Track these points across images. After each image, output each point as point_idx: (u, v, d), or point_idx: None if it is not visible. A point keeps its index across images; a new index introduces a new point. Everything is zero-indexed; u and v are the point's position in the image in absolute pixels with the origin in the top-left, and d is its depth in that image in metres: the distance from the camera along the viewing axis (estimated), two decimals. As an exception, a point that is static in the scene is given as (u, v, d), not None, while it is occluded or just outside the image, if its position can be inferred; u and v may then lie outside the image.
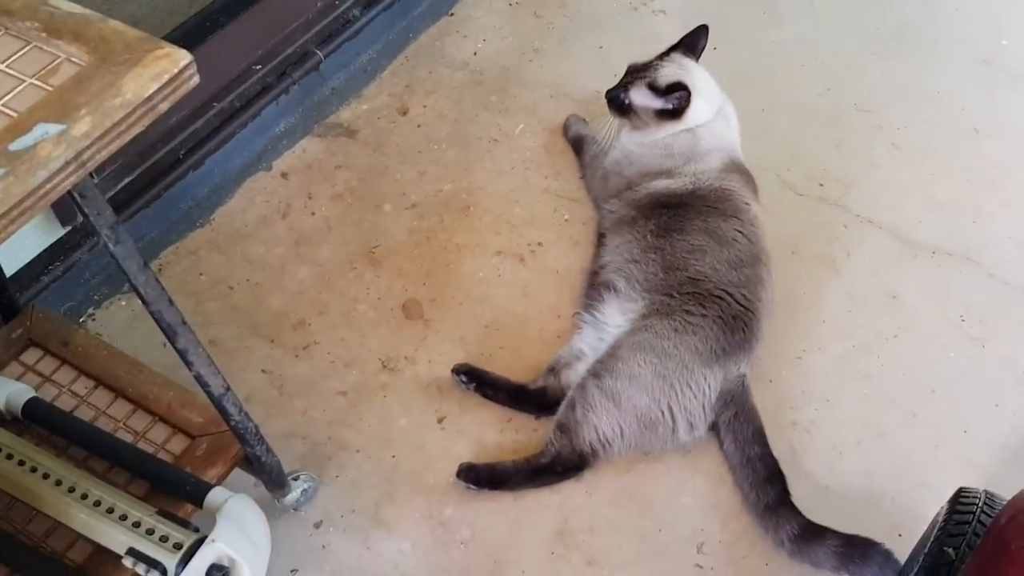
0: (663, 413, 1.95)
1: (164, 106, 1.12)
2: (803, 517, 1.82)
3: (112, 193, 2.26)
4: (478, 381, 2.08)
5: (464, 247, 2.41)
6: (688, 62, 2.33)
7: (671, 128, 2.24)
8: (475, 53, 2.91)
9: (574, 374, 2.05)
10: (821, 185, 2.53)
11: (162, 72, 1.12)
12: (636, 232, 2.14)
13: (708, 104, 2.26)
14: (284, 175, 2.58)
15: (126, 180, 2.29)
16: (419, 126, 2.71)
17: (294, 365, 2.18)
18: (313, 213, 2.49)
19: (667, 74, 2.25)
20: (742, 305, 2.02)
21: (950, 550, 1.43)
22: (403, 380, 2.15)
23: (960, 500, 1.51)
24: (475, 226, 2.46)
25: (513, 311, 2.28)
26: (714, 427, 2.01)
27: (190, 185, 2.47)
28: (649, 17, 3.02)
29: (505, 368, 2.15)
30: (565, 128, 2.64)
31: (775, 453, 1.95)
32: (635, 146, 2.32)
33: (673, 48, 2.37)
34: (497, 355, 2.19)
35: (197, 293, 2.32)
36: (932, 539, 1.49)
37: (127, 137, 1.12)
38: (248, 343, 2.22)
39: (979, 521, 1.44)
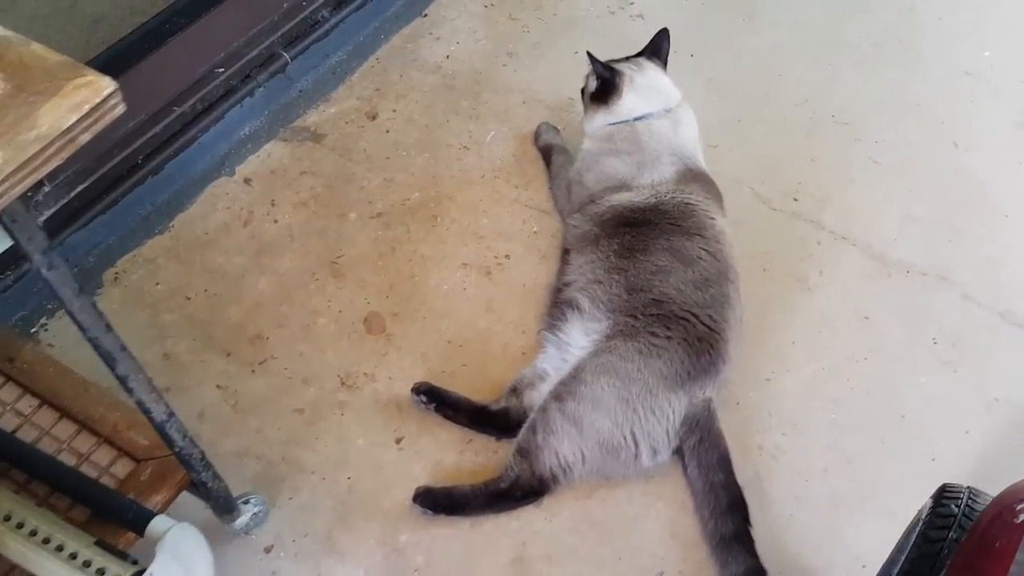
0: (626, 438, 1.90)
1: (85, 137, 1.06)
2: (754, 559, 1.78)
3: (66, 200, 2.19)
4: (438, 401, 2.03)
5: (430, 259, 2.35)
6: (646, 63, 2.34)
7: (605, 115, 2.30)
8: (448, 56, 2.85)
9: (537, 395, 2.00)
10: (795, 200, 2.48)
11: (83, 102, 1.05)
12: (599, 251, 2.09)
13: (640, 100, 2.29)
14: (247, 181, 2.52)
15: (80, 187, 2.22)
16: (388, 131, 2.64)
17: (250, 381, 2.12)
18: (276, 221, 2.43)
19: (611, 65, 2.30)
20: (708, 327, 1.97)
21: (934, 545, 1.40)
22: (362, 398, 2.10)
23: (944, 496, 1.48)
24: (442, 237, 2.40)
25: (477, 326, 2.23)
26: (679, 452, 1.96)
27: (149, 191, 2.41)
28: (626, 22, 2.95)
29: (467, 386, 2.10)
30: (536, 136, 2.59)
31: (740, 479, 1.91)
32: (588, 143, 2.34)
33: (641, 52, 2.38)
34: (459, 372, 2.14)
35: (153, 304, 2.25)
36: (915, 535, 1.47)
37: (44, 171, 1.06)
38: (204, 357, 2.16)
39: (964, 515, 1.41)
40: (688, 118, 2.29)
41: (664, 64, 2.36)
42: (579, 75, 2.70)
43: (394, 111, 2.69)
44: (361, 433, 2.05)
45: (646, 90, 2.30)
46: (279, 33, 2.57)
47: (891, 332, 2.22)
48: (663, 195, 2.14)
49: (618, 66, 2.34)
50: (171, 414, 1.57)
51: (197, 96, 2.40)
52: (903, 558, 1.46)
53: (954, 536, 1.38)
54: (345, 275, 2.31)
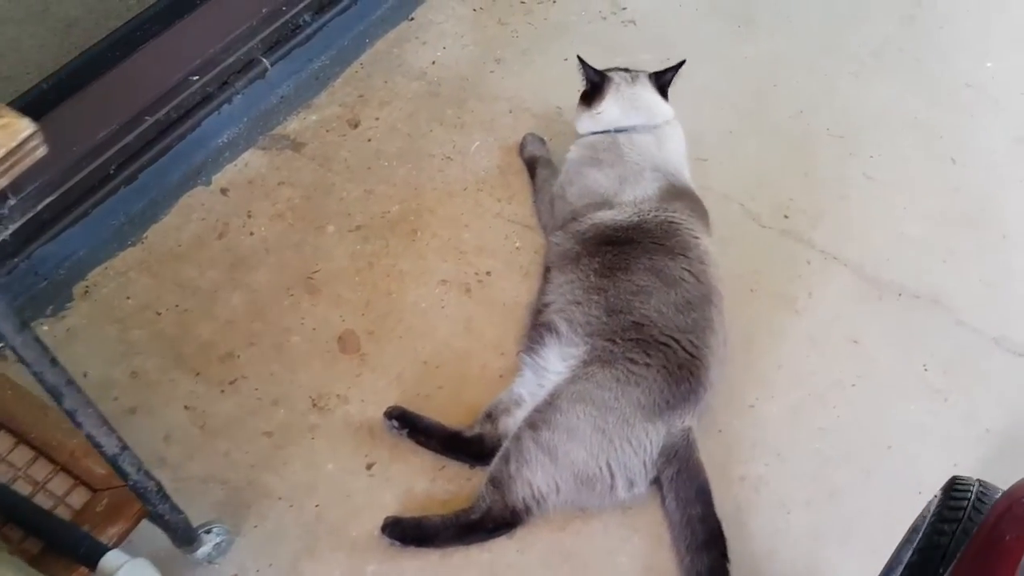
0: (601, 469, 1.84)
1: (2, 183, 1.00)
2: None
3: (33, 213, 2.12)
4: (411, 427, 1.98)
5: (408, 275, 2.29)
6: (641, 79, 2.29)
7: (589, 121, 2.29)
8: (433, 62, 2.77)
9: (512, 421, 1.94)
10: (786, 217, 2.41)
11: (-4, 147, 0.99)
12: (580, 271, 2.02)
13: (621, 111, 2.26)
14: (224, 191, 2.46)
15: (49, 199, 2.15)
16: (369, 140, 2.57)
17: (219, 401, 2.07)
18: (251, 233, 2.37)
19: (604, 71, 2.30)
20: (689, 353, 1.91)
21: (943, 538, 1.38)
22: (333, 421, 2.04)
23: (954, 489, 1.45)
24: (421, 252, 2.34)
25: (455, 346, 2.16)
26: (656, 482, 1.90)
27: (123, 201, 2.35)
28: (618, 28, 2.87)
29: (442, 410, 2.04)
30: (521, 147, 2.52)
31: (720, 510, 1.85)
32: (572, 151, 2.30)
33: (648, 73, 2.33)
34: (435, 395, 2.08)
35: (123, 319, 2.20)
36: (924, 528, 1.44)
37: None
38: (172, 376, 2.10)
39: (974, 508, 1.39)
40: (675, 136, 2.23)
41: (663, 87, 2.30)
42: (568, 83, 2.62)
43: (377, 119, 2.62)
44: (331, 458, 1.99)
45: (629, 102, 2.25)
46: (258, 38, 2.50)
47: (881, 357, 2.15)
48: (646, 213, 2.08)
49: (611, 73, 2.30)
50: (124, 447, 1.52)
51: (172, 104, 2.33)
52: (911, 549, 1.43)
53: (963, 529, 1.36)
54: (320, 291, 2.25)
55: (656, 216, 2.07)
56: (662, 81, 2.28)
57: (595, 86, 2.29)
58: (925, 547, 1.39)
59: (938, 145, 2.58)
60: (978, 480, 1.44)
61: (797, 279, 2.29)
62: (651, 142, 2.19)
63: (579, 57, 2.29)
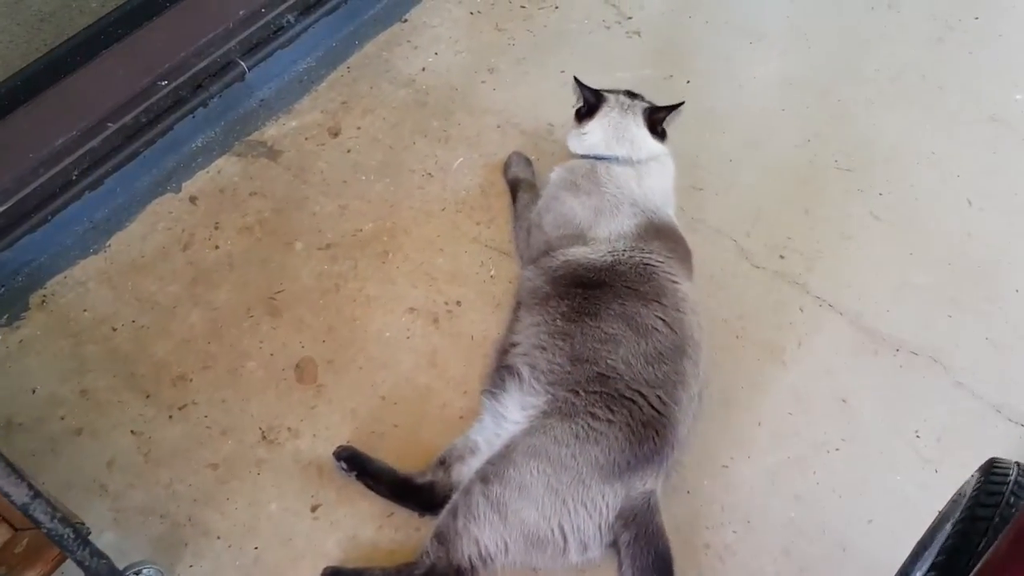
0: (553, 531, 1.73)
1: None
2: None
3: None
4: (360, 469, 1.88)
5: (375, 300, 2.18)
6: (636, 108, 2.15)
7: (575, 140, 2.18)
8: (424, 69, 2.64)
9: (466, 469, 1.83)
10: (782, 257, 2.26)
11: None
12: (547, 313, 1.90)
13: (603, 137, 2.13)
14: (193, 199, 2.36)
15: (5, 205, 2.07)
16: (349, 151, 2.46)
17: (167, 428, 1.98)
18: (217, 247, 2.27)
19: (601, 92, 2.18)
20: (656, 410, 1.78)
21: (982, 523, 1.34)
22: (282, 456, 1.94)
23: (993, 472, 1.39)
24: (391, 276, 2.22)
25: (416, 382, 2.05)
26: (614, 546, 1.78)
27: (86, 207, 2.26)
28: (621, 39, 2.72)
29: (396, 451, 1.94)
30: (505, 167, 2.39)
31: (680, 581, 1.73)
32: (555, 172, 2.18)
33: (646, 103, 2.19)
34: (390, 434, 1.98)
35: (77, 333, 2.11)
36: (962, 510, 1.38)
37: None
38: (123, 397, 2.02)
39: (1013, 493, 1.35)
40: (660, 171, 2.10)
41: (654, 124, 2.15)
42: (563, 99, 2.49)
43: (358, 128, 2.50)
44: (276, 496, 1.89)
45: (614, 131, 2.12)
46: (235, 40, 2.39)
47: (869, 419, 2.00)
48: (620, 253, 1.95)
49: (608, 95, 2.17)
50: (35, 495, 1.44)
51: (139, 109, 2.23)
52: (946, 534, 1.37)
53: (1002, 514, 1.32)
54: (282, 313, 2.15)
55: (631, 257, 1.94)
56: (654, 118, 2.14)
57: (590, 106, 2.17)
58: (962, 530, 1.33)
59: (954, 184, 2.40)
60: (1016, 463, 1.39)
61: (787, 327, 2.14)
62: (631, 175, 2.07)
63: (576, 79, 2.17)
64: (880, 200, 2.37)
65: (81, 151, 2.16)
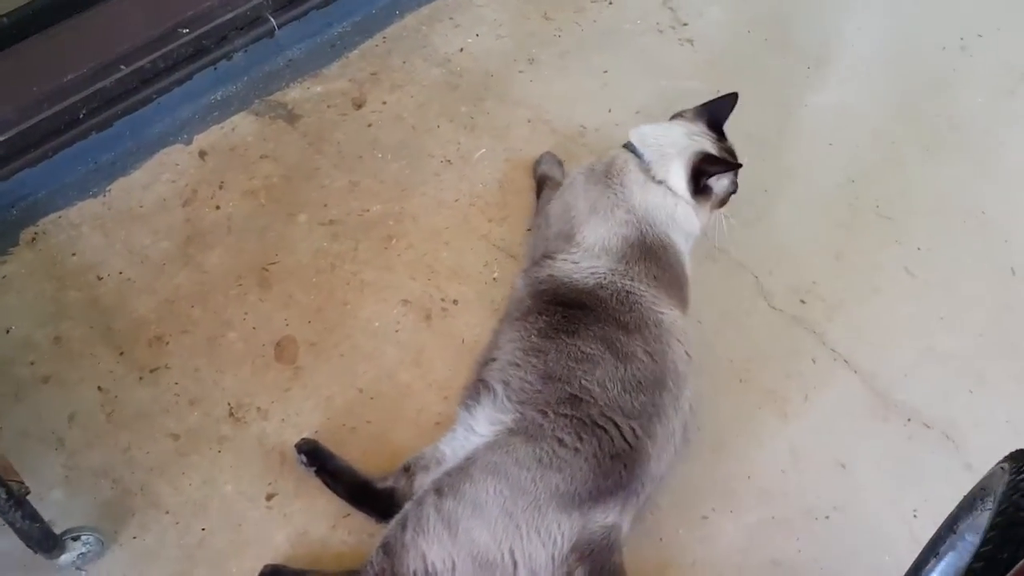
0: (503, 555, 1.63)
1: None
2: None
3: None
4: (320, 465, 1.80)
5: (369, 286, 2.09)
6: (697, 144, 1.95)
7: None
8: (461, 49, 2.53)
9: (429, 481, 1.73)
10: (803, 302, 2.12)
11: None
12: (524, 328, 1.80)
13: (651, 130, 1.98)
14: (202, 154, 2.28)
15: (4, 135, 2.00)
16: (370, 125, 2.36)
17: (135, 389, 1.91)
18: (218, 207, 2.19)
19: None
20: (628, 443, 1.68)
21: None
22: (246, 436, 1.87)
23: None
24: (391, 263, 2.13)
25: (397, 379, 1.96)
26: (569, 580, 1.68)
27: (92, 147, 2.20)
28: (673, 45, 2.57)
29: (363, 448, 1.86)
30: (536, 163, 2.27)
31: (635, 631, 1.63)
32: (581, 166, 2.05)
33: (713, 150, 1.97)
34: (361, 430, 1.89)
35: (62, 277, 2.06)
36: (1001, 500, 1.30)
37: None
38: (96, 350, 1.96)
39: None
40: (668, 205, 1.93)
41: (698, 175, 1.92)
42: (601, 100, 2.41)
43: (384, 103, 2.40)
44: (232, 478, 1.82)
45: (662, 136, 1.96)
46: (268, -5, 2.28)
47: (867, 491, 1.88)
48: (602, 275, 1.83)
49: (687, 111, 2.03)
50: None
51: (157, 54, 2.15)
52: (986, 532, 1.27)
53: None
54: (272, 286, 2.07)
55: (613, 282, 1.82)
56: (700, 168, 1.90)
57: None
58: (1003, 524, 1.24)
59: (1001, 250, 2.24)
60: None
61: (796, 377, 2.01)
62: (639, 182, 1.91)
63: (733, 94, 2.02)
64: (917, 255, 2.21)
65: (91, 90, 2.08)
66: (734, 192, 1.98)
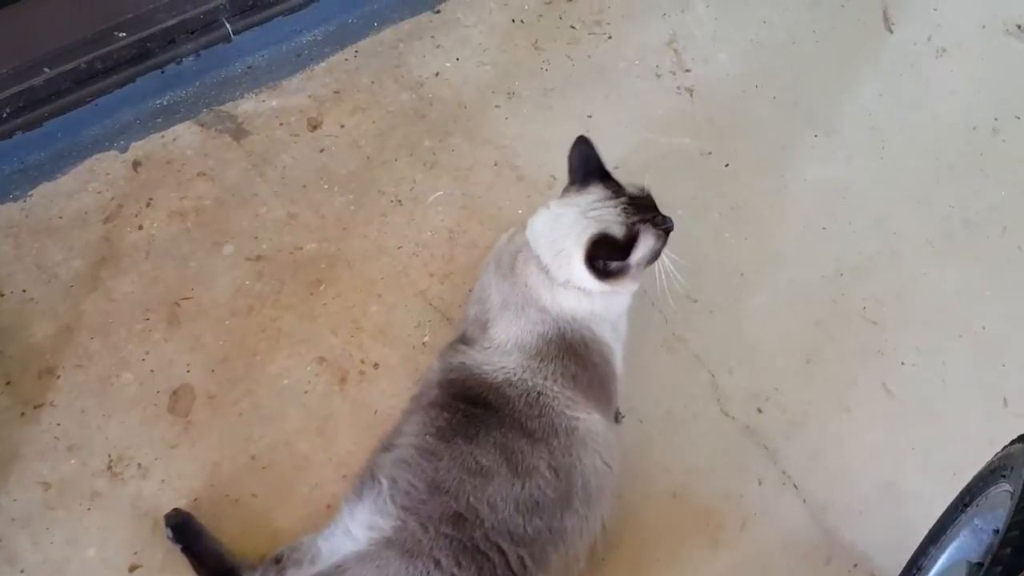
0: None
1: None
2: None
3: None
4: (187, 543, 1.65)
5: (286, 336, 1.92)
6: (595, 223, 1.63)
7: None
8: (437, 73, 2.31)
9: (301, 577, 1.57)
10: (759, 411, 1.91)
11: None
12: (425, 422, 1.61)
13: (541, 225, 1.68)
14: (136, 164, 2.11)
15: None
16: (322, 151, 2.17)
17: (14, 425, 1.78)
18: (141, 227, 2.03)
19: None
20: (513, 572, 1.50)
21: None
22: (120, 495, 1.73)
23: None
24: (314, 311, 1.95)
25: (296, 448, 1.80)
26: None
27: (18, 146, 2.05)
28: (669, 93, 2.33)
29: (243, 525, 1.71)
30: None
31: None
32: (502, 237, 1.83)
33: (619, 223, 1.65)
34: (244, 503, 1.74)
35: (-40, 289, 1.91)
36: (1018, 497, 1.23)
37: None
38: (-19, 376, 1.82)
39: None
40: (583, 300, 1.67)
41: (593, 260, 1.61)
42: None
43: (342, 126, 2.21)
44: (98, 541, 1.69)
45: (551, 227, 1.66)
46: (224, -1, 2.09)
47: (792, 645, 1.67)
48: (512, 372, 1.63)
49: (596, 183, 1.70)
50: None
51: (89, 56, 1.98)
52: (1010, 521, 1.21)
53: None
54: (181, 324, 1.91)
55: (524, 381, 1.62)
56: (594, 253, 1.60)
57: (572, 179, 1.75)
58: None
59: (995, 375, 1.99)
60: None
61: (737, 499, 1.81)
62: (544, 283, 1.66)
63: (583, 139, 1.74)
64: (900, 371, 1.98)
65: (14, 89, 1.92)
66: (664, 242, 1.66)
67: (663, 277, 1.68)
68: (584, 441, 1.61)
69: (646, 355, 1.92)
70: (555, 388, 1.62)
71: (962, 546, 1.49)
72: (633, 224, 1.62)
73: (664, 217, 1.66)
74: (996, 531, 1.36)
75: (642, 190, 1.70)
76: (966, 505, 1.47)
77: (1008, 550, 1.16)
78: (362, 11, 2.38)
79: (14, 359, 1.85)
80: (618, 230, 1.61)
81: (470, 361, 1.67)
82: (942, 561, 1.50)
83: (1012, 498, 1.26)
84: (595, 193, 1.68)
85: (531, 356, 1.64)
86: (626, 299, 1.72)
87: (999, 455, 1.41)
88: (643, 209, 1.65)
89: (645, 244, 1.62)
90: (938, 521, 1.53)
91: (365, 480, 1.61)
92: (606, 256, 1.59)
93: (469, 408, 1.60)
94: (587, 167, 1.71)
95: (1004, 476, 1.37)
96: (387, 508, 1.54)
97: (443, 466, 1.54)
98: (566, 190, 1.76)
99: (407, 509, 1.53)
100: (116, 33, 1.96)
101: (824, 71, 2.39)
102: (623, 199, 1.66)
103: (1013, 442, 1.43)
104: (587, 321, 1.66)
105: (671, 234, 1.68)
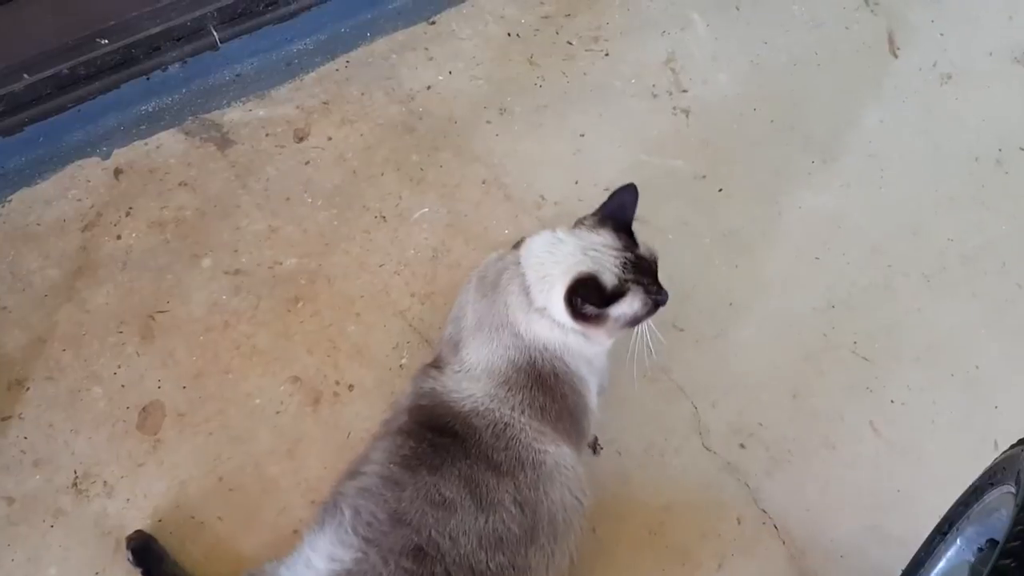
0: None
1: None
2: None
3: None
4: (147, 567, 1.62)
5: (260, 354, 1.88)
6: (591, 262, 1.57)
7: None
8: (429, 87, 2.27)
9: (255, 614, 1.53)
10: (742, 446, 1.86)
11: None
12: (391, 450, 1.57)
13: (537, 246, 1.62)
14: (118, 172, 2.08)
15: None
16: (307, 163, 2.13)
17: (-21, 438, 1.74)
18: (119, 237, 2.00)
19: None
20: (475, 611, 1.45)
21: None
22: (84, 513, 1.70)
23: None
24: (290, 329, 1.92)
25: (265, 471, 1.77)
26: None
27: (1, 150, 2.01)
28: (665, 114, 2.28)
29: (207, 550, 1.67)
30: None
31: None
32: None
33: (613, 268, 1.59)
34: (209, 526, 1.70)
35: (-67, 295, 1.88)
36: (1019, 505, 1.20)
37: None
38: (-50, 385, 1.79)
39: None
40: (554, 332, 1.61)
41: (572, 298, 1.54)
42: (571, 168, 2.16)
43: (329, 139, 2.17)
44: (59, 560, 1.66)
45: (545, 252, 1.60)
46: (211, 7, 2.05)
47: None
48: (479, 401, 1.58)
49: (611, 224, 1.63)
50: None
51: (71, 63, 1.96)
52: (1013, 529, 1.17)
53: None
54: (155, 338, 1.87)
55: (491, 411, 1.57)
56: (575, 294, 1.54)
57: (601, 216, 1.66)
58: None
59: (987, 417, 1.94)
60: None
61: (714, 538, 1.76)
62: (523, 308, 1.60)
63: (632, 186, 1.64)
64: (889, 409, 1.93)
65: (-7, 93, 1.89)
66: (651, 313, 1.61)
67: (640, 345, 1.63)
68: (552, 475, 1.56)
69: (627, 385, 1.88)
70: (522, 420, 1.57)
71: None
72: (626, 281, 1.56)
73: (660, 288, 1.60)
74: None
75: (651, 255, 1.64)
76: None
77: (1018, 543, 1.12)
78: (355, 21, 2.34)
79: (-16, 369, 1.82)
80: (609, 279, 1.55)
81: (440, 387, 1.62)
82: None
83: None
84: (605, 237, 1.61)
85: (499, 384, 1.59)
86: (597, 351, 1.67)
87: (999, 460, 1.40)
88: (643, 272, 1.59)
89: (630, 304, 1.57)
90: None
91: (328, 508, 1.57)
92: (585, 297, 1.53)
93: (436, 437, 1.55)
94: (614, 212, 1.64)
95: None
96: (348, 539, 1.50)
97: (406, 497, 1.50)
98: (580, 221, 1.69)
99: (368, 541, 1.49)
100: (98, 40, 1.92)
101: (824, 95, 2.33)
102: (629, 254, 1.59)
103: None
104: (560, 352, 1.61)
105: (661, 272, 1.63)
